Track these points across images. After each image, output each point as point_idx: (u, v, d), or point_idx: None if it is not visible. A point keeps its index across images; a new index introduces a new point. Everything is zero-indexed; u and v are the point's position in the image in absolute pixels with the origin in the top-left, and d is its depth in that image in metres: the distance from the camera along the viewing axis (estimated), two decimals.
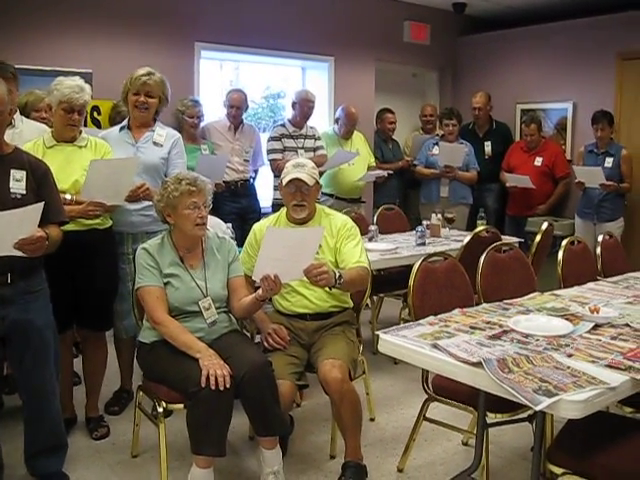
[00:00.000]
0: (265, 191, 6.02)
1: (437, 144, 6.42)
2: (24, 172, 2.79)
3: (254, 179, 5.84)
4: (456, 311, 2.89)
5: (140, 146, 3.75)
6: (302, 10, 6.53)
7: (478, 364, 2.19)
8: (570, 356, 2.33)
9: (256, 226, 3.50)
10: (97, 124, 5.24)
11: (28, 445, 3.04)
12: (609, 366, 2.23)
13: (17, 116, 3.72)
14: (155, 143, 3.76)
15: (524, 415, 2.90)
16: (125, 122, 3.85)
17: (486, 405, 2.75)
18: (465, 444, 3.54)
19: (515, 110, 7.41)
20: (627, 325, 2.72)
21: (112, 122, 4.84)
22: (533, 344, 2.45)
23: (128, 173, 3.42)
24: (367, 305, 5.06)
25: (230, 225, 4.14)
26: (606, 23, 6.52)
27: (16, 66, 3.70)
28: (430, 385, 3.07)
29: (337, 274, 3.04)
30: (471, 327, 2.66)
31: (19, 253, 2.59)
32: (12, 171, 2.76)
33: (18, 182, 2.76)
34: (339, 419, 3.08)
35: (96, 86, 4.35)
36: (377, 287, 4.70)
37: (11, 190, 2.74)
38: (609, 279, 3.75)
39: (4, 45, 4.80)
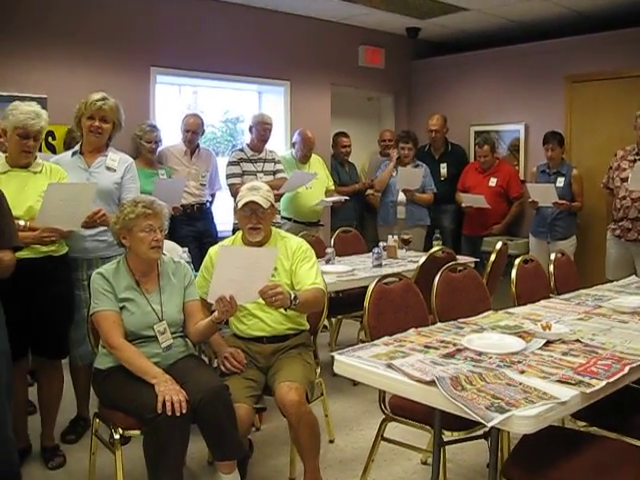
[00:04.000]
0: (225, 215, 6.01)
1: (395, 166, 6.49)
2: None
3: (211, 203, 5.85)
4: (411, 331, 2.91)
5: (93, 171, 3.73)
6: (258, 34, 6.56)
7: (431, 382, 2.21)
8: (522, 372, 2.36)
9: (212, 250, 3.49)
10: (52, 149, 5.19)
11: None
12: (560, 381, 2.26)
13: None
14: (108, 168, 3.74)
15: (480, 432, 2.92)
16: (77, 147, 3.82)
17: (442, 423, 2.77)
18: (424, 463, 3.56)
19: (469, 132, 7.52)
20: (578, 341, 2.77)
21: (67, 147, 4.79)
22: (486, 362, 2.48)
23: (86, 199, 3.38)
24: (326, 327, 5.09)
25: (186, 249, 4.12)
26: (555, 47, 6.70)
27: None
28: (387, 405, 3.07)
29: (292, 295, 3.06)
30: (425, 346, 2.68)
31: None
32: None
33: None
34: (297, 442, 3.08)
35: (51, 111, 4.28)
36: (335, 309, 4.72)
37: None
38: (561, 296, 3.81)
39: None
